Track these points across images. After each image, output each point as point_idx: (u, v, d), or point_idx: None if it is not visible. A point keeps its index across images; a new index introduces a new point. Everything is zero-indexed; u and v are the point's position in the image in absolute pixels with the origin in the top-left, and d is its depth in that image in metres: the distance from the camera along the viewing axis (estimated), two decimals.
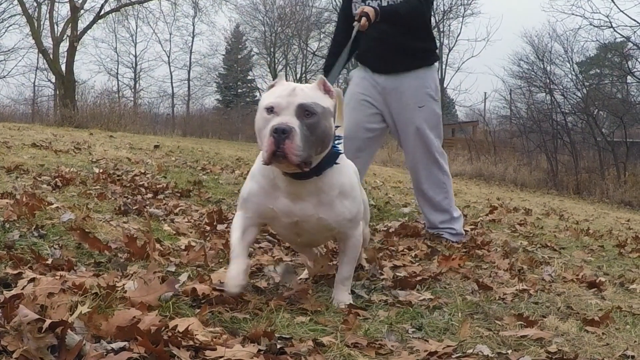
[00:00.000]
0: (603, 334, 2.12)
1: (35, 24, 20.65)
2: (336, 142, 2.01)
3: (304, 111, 1.80)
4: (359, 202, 2.12)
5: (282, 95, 1.83)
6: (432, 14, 3.77)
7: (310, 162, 1.82)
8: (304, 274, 2.51)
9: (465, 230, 3.93)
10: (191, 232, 3.11)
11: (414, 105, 3.57)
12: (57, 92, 20.96)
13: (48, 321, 1.33)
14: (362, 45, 3.51)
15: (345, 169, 2.06)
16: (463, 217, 3.90)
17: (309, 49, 31.32)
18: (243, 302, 1.99)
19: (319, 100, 1.86)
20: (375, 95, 3.66)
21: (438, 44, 4.82)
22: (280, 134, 1.74)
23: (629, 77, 19.47)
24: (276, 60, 32.10)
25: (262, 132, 1.81)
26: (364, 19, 3.20)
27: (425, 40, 3.61)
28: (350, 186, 2.06)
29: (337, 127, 2.04)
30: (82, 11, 20.89)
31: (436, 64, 3.75)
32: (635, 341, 2.07)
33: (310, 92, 1.87)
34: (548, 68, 20.47)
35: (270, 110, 1.82)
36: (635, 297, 2.87)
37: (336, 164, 1.98)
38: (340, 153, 2.04)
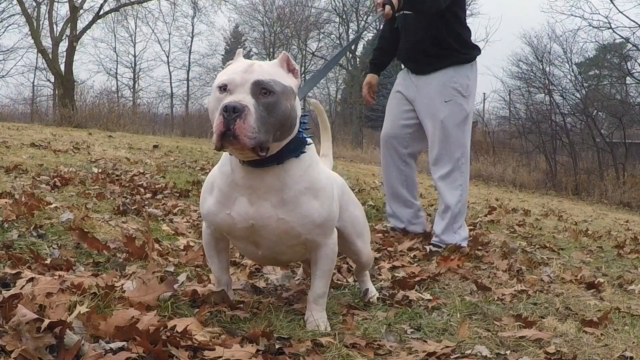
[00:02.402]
0: (602, 334, 2.12)
1: (35, 24, 20.61)
2: (303, 129, 1.78)
3: (261, 89, 1.59)
4: (331, 206, 1.83)
5: (237, 72, 1.63)
6: (464, 14, 3.65)
7: (268, 147, 1.61)
8: (300, 274, 2.50)
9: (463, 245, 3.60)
10: (190, 232, 3.11)
11: (441, 99, 3.54)
12: (56, 92, 20.91)
13: (47, 321, 1.33)
14: (400, 47, 3.73)
15: (316, 163, 1.82)
16: (467, 239, 3.66)
17: (308, 49, 31.28)
18: (242, 303, 1.99)
19: (280, 78, 1.65)
20: (410, 93, 3.70)
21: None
22: (231, 112, 1.53)
23: (628, 78, 19.48)
24: None
25: (215, 114, 1.60)
26: (387, 7, 3.20)
27: (456, 41, 3.54)
28: (321, 184, 1.80)
29: (304, 115, 1.81)
30: (81, 11, 20.85)
31: (471, 64, 3.61)
32: (633, 342, 2.07)
33: (269, 69, 1.66)
34: (547, 69, 20.47)
35: (223, 88, 1.62)
36: (633, 298, 2.87)
37: (302, 152, 1.75)
38: (308, 143, 1.79)
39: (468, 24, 3.69)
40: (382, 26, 3.96)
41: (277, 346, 1.60)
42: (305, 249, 1.89)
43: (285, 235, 1.78)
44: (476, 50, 3.66)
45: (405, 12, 3.47)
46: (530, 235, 4.66)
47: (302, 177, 1.74)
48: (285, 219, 1.74)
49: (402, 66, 3.90)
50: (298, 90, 1.76)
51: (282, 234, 1.77)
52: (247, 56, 35.94)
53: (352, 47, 30.22)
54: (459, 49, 3.54)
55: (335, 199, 1.90)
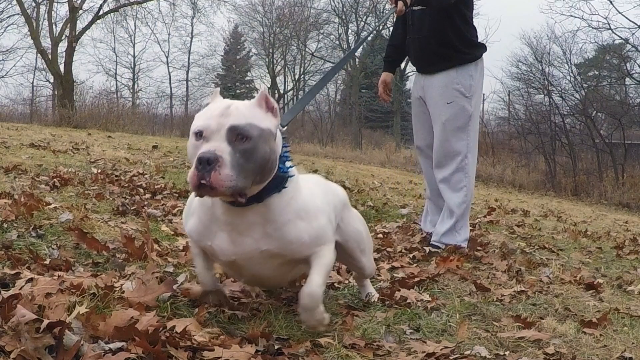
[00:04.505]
0: (601, 335, 2.12)
1: (34, 24, 20.61)
2: (286, 162, 1.70)
3: (237, 135, 1.53)
4: (321, 223, 1.76)
5: (212, 116, 1.56)
6: (470, 12, 3.61)
7: (246, 194, 1.56)
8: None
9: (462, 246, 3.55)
10: None
11: (443, 101, 3.53)
12: (56, 92, 20.92)
13: (46, 321, 1.33)
14: (407, 44, 3.73)
15: (299, 192, 1.73)
16: (468, 240, 3.60)
17: (307, 49, 31.30)
18: (241, 304, 1.99)
19: (257, 120, 1.58)
20: (424, 96, 3.69)
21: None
22: (205, 164, 1.48)
23: (627, 79, 19.50)
24: (275, 61, 32.05)
25: (193, 160, 1.54)
26: (400, 4, 3.19)
27: (460, 40, 3.51)
28: (305, 210, 1.73)
29: (285, 145, 1.72)
30: (80, 11, 20.85)
31: (475, 62, 3.57)
32: (632, 343, 2.07)
33: (246, 111, 1.58)
34: (546, 70, 20.51)
35: (199, 134, 1.56)
36: (632, 298, 2.87)
37: (284, 187, 1.68)
38: (290, 175, 1.71)
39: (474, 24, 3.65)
40: (394, 23, 3.95)
41: (276, 347, 1.60)
42: (293, 267, 1.82)
43: (270, 260, 1.73)
44: (481, 49, 3.62)
45: (413, 7, 3.44)
46: (529, 236, 4.66)
47: (285, 209, 1.68)
48: (270, 249, 1.69)
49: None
50: (284, 119, 1.74)
51: (266, 262, 1.73)
52: (247, 57, 36.06)
53: (351, 48, 30.21)
54: (462, 49, 3.51)
55: (327, 210, 1.85)
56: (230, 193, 1.51)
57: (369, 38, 25.21)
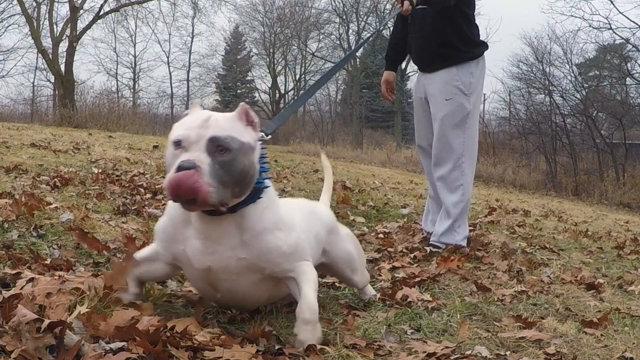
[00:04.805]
0: (601, 335, 2.12)
1: (35, 24, 20.62)
2: (262, 173, 1.67)
3: (217, 146, 1.50)
4: (299, 236, 1.73)
5: (192, 127, 1.54)
6: (472, 11, 3.60)
7: (225, 203, 1.53)
8: None
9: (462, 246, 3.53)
10: None
11: (442, 98, 3.52)
12: (56, 92, 20.93)
13: (46, 321, 1.33)
14: (408, 43, 3.72)
15: (274, 202, 1.71)
16: (467, 239, 3.59)
17: (308, 49, 31.33)
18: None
19: (237, 133, 1.55)
20: (423, 94, 3.68)
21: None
22: None
23: (628, 78, 19.51)
24: (275, 61, 32.09)
25: (170, 169, 1.51)
26: (406, 3, 3.18)
27: (461, 40, 3.50)
28: (282, 220, 1.70)
29: (262, 156, 1.69)
30: (81, 11, 20.86)
31: (476, 60, 3.55)
32: (633, 343, 2.07)
33: (226, 124, 1.56)
34: (547, 70, 20.49)
35: (178, 144, 1.53)
36: (633, 298, 2.87)
37: (259, 198, 1.64)
38: (265, 187, 1.68)
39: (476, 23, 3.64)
40: (394, 22, 3.93)
41: (276, 347, 1.60)
42: (273, 286, 1.75)
43: (247, 272, 1.66)
44: (482, 47, 3.61)
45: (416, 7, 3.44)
46: (530, 236, 4.66)
47: (261, 217, 1.64)
48: (247, 257, 1.63)
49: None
50: (271, 126, 1.75)
51: (243, 272, 1.66)
52: (247, 57, 36.07)
53: (352, 48, 30.21)
54: (463, 49, 3.50)
55: (307, 229, 1.82)
56: (212, 203, 1.49)
57: (370, 39, 25.21)
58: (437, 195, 3.74)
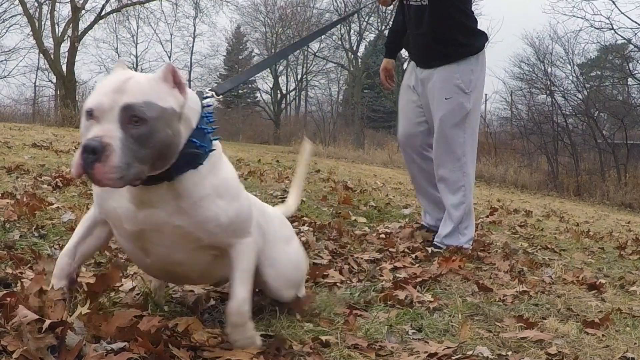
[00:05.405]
0: (603, 335, 2.12)
1: (36, 24, 20.66)
2: (206, 135, 1.49)
3: (131, 116, 1.31)
4: (242, 206, 1.58)
5: (106, 92, 1.35)
6: (469, 5, 3.54)
7: (142, 178, 1.36)
8: None
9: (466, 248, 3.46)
10: None
11: (441, 97, 3.45)
12: (58, 93, 20.98)
13: (48, 321, 1.33)
14: (406, 37, 3.68)
15: (219, 169, 1.54)
16: (472, 241, 3.54)
17: (309, 50, 31.31)
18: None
19: (158, 98, 1.36)
20: (418, 88, 3.63)
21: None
22: (90, 153, 1.28)
23: (629, 79, 19.51)
24: (277, 62, 32.08)
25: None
26: None
27: (460, 31, 3.44)
28: (226, 187, 1.54)
29: (207, 115, 1.52)
30: (83, 11, 20.90)
31: (477, 55, 3.48)
32: (635, 343, 2.07)
33: (146, 87, 1.37)
34: (549, 70, 20.46)
35: (90, 114, 1.35)
36: (635, 299, 2.86)
37: (200, 164, 1.47)
38: (209, 150, 1.50)
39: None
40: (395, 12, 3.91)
41: (277, 347, 1.60)
42: (208, 262, 1.60)
43: (182, 240, 1.51)
44: (482, 38, 3.55)
45: (405, 2, 3.41)
46: (531, 236, 4.66)
47: (200, 184, 1.47)
48: (183, 225, 1.48)
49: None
50: (222, 87, 1.64)
51: (178, 240, 1.51)
52: (249, 57, 36.08)
53: (354, 48, 30.27)
54: (462, 42, 3.43)
55: (251, 199, 1.70)
56: (118, 186, 1.32)
57: (371, 39, 25.22)
58: (421, 190, 3.76)
